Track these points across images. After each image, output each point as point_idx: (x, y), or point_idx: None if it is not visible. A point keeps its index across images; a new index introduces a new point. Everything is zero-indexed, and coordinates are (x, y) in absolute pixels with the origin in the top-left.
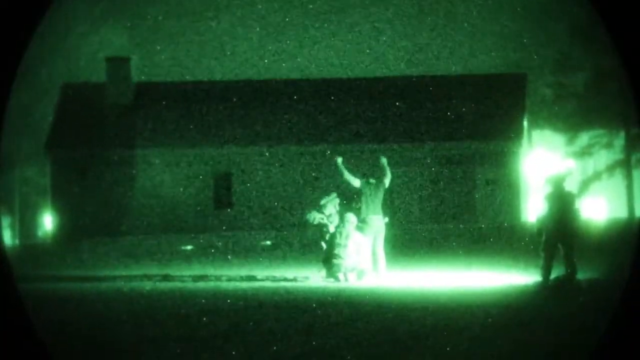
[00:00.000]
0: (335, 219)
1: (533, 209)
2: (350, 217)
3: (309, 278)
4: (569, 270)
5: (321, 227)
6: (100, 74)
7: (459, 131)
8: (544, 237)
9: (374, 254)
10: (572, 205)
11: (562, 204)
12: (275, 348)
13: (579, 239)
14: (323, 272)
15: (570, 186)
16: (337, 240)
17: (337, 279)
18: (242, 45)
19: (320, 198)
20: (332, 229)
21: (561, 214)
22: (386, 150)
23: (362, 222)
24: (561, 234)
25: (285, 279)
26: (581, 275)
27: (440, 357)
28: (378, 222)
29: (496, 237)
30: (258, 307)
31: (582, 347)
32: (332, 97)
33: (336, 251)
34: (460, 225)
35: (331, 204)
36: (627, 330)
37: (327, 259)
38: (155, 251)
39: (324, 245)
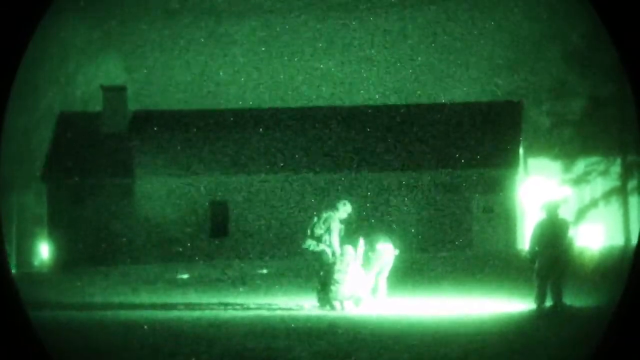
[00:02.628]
0: (328, 237)
1: (529, 236)
2: (348, 249)
3: (304, 307)
4: (553, 300)
5: (317, 255)
6: (97, 102)
7: (455, 159)
8: (537, 265)
9: (376, 281)
10: (565, 233)
11: (555, 231)
12: None
13: (571, 267)
14: (317, 301)
15: (566, 214)
16: (337, 267)
17: (332, 307)
18: (238, 73)
19: (308, 226)
20: (328, 250)
21: (554, 241)
22: (382, 178)
23: (371, 250)
24: (553, 261)
25: (280, 308)
26: (577, 303)
27: None
28: (389, 251)
29: (492, 264)
30: (254, 335)
31: None
32: (328, 126)
33: (335, 277)
34: (456, 253)
35: (318, 225)
36: (619, 356)
37: (324, 287)
38: (151, 280)
39: (320, 273)
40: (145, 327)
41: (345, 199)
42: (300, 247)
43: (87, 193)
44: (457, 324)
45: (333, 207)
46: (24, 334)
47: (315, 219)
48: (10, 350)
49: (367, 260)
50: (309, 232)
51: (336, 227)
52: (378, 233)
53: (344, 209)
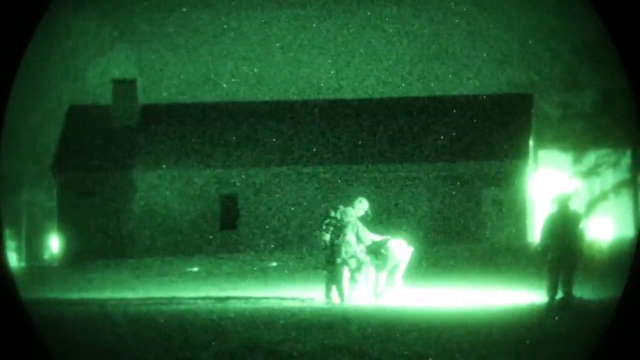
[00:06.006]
0: (340, 233)
1: (539, 228)
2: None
3: (314, 299)
4: (564, 292)
5: (328, 249)
6: (107, 96)
7: (465, 151)
8: (548, 257)
9: (390, 277)
10: (577, 226)
11: (567, 224)
12: None
13: (583, 259)
14: (324, 293)
15: (577, 206)
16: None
17: (342, 299)
18: (247, 66)
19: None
20: (334, 245)
21: (565, 234)
22: (392, 171)
23: (382, 248)
24: (565, 253)
25: (291, 300)
26: (587, 295)
27: None
28: (401, 248)
29: (502, 256)
30: (264, 328)
31: None
32: (338, 118)
33: (341, 271)
34: (467, 245)
35: (331, 220)
36: (631, 348)
37: (331, 280)
38: (161, 273)
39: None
40: (162, 320)
41: (362, 196)
42: (311, 240)
43: (97, 186)
44: (468, 316)
45: (349, 203)
46: (20, 329)
47: (332, 213)
48: (7, 348)
49: (380, 258)
50: (322, 226)
51: (350, 224)
52: (391, 230)
53: (361, 206)
